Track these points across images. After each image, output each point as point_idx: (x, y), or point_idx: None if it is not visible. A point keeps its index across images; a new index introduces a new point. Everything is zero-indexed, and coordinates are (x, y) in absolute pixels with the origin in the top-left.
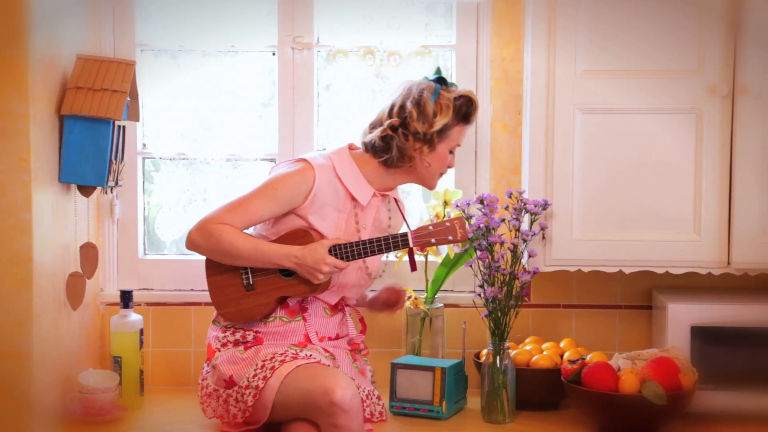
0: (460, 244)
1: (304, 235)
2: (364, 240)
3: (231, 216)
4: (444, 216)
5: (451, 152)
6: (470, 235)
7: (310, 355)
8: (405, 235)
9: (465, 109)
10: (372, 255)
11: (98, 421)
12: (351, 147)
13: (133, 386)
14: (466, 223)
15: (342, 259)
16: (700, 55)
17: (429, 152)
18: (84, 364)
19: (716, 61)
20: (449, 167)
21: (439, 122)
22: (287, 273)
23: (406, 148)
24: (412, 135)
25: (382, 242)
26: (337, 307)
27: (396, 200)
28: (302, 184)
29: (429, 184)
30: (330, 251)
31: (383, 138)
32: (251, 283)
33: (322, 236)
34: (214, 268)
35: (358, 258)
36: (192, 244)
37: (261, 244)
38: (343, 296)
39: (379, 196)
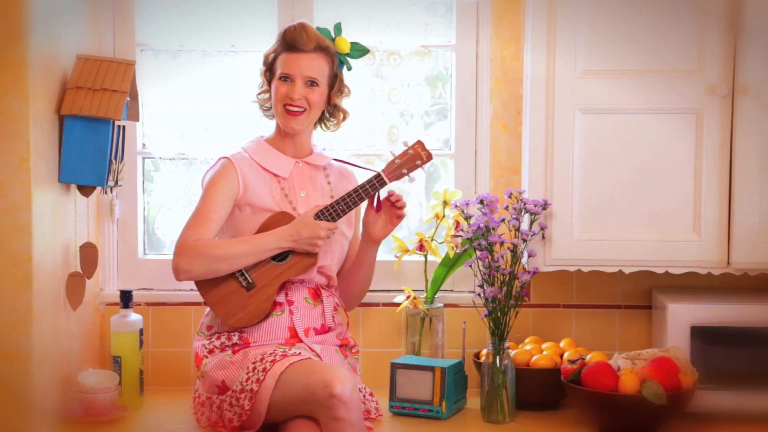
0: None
1: (283, 217)
2: (342, 195)
3: (197, 231)
4: (442, 214)
5: (283, 79)
6: (433, 154)
7: (299, 353)
8: (378, 175)
9: (285, 36)
10: (355, 206)
11: (98, 421)
12: (262, 136)
13: (133, 386)
14: (424, 143)
15: (329, 220)
16: (700, 55)
17: (270, 90)
18: (84, 364)
19: (716, 61)
20: (290, 98)
21: (269, 56)
22: (280, 258)
23: (266, 98)
24: (262, 84)
25: (360, 190)
26: (319, 296)
27: (337, 162)
28: (230, 174)
29: (283, 127)
30: (316, 218)
31: (260, 105)
32: (251, 281)
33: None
34: (206, 284)
35: (344, 214)
36: (183, 273)
37: (250, 238)
38: (328, 277)
39: (306, 164)
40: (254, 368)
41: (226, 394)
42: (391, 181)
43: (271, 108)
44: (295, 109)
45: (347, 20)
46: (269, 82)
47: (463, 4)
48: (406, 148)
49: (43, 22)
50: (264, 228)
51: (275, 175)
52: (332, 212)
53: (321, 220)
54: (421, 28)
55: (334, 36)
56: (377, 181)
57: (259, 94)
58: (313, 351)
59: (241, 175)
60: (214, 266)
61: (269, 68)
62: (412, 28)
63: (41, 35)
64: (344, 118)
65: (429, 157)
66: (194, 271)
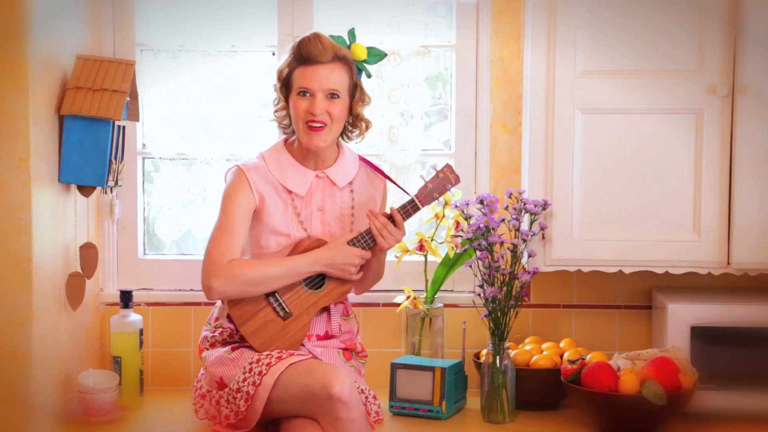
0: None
1: (316, 243)
2: None
3: (226, 247)
4: (442, 214)
5: (302, 94)
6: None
7: (294, 353)
8: (412, 201)
9: (299, 49)
10: None
11: (98, 421)
12: (287, 140)
13: (133, 386)
14: (453, 167)
15: (363, 248)
16: (700, 55)
17: (288, 107)
18: (84, 364)
19: (716, 61)
20: (311, 113)
21: (283, 71)
22: (315, 287)
23: (283, 115)
24: (278, 100)
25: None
26: (326, 306)
27: (365, 164)
28: (243, 186)
29: (305, 144)
30: (350, 244)
31: (278, 122)
32: (288, 311)
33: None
34: (242, 315)
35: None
36: (217, 293)
37: (283, 260)
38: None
39: (328, 178)
40: (251, 369)
41: (224, 390)
42: (423, 206)
43: (290, 125)
44: (318, 124)
45: (347, 20)
46: (286, 98)
47: (463, 4)
48: (435, 172)
49: (43, 23)
50: (296, 251)
51: (291, 191)
52: (367, 239)
53: (354, 246)
54: (421, 28)
55: (348, 43)
56: (411, 207)
57: (275, 111)
58: (311, 353)
59: (255, 188)
60: (247, 289)
61: (284, 84)
62: (412, 28)
63: (41, 35)
64: (367, 128)
65: (457, 180)
66: (227, 293)
